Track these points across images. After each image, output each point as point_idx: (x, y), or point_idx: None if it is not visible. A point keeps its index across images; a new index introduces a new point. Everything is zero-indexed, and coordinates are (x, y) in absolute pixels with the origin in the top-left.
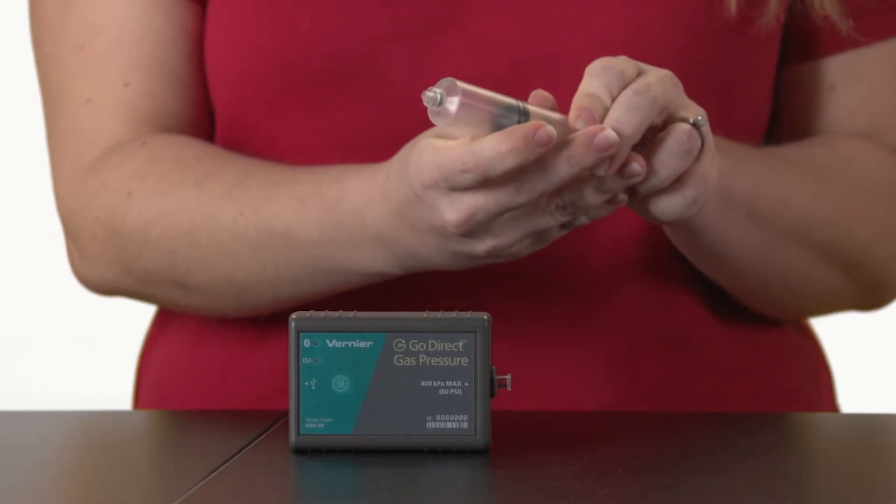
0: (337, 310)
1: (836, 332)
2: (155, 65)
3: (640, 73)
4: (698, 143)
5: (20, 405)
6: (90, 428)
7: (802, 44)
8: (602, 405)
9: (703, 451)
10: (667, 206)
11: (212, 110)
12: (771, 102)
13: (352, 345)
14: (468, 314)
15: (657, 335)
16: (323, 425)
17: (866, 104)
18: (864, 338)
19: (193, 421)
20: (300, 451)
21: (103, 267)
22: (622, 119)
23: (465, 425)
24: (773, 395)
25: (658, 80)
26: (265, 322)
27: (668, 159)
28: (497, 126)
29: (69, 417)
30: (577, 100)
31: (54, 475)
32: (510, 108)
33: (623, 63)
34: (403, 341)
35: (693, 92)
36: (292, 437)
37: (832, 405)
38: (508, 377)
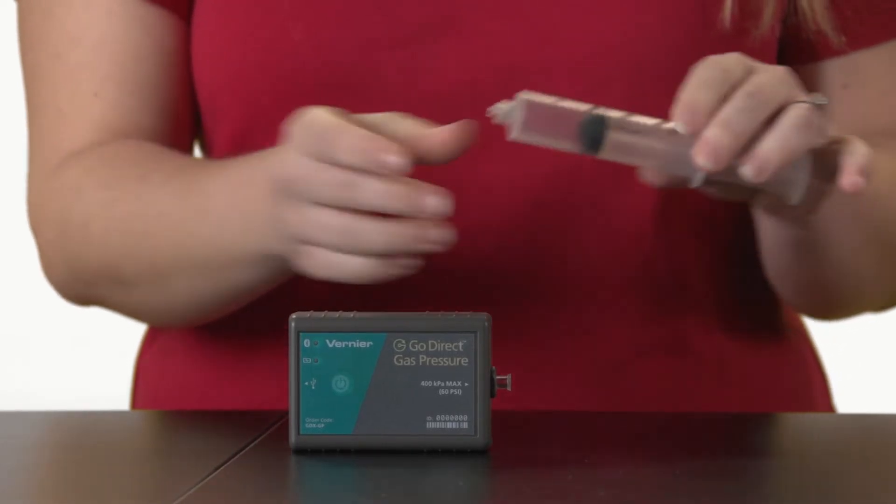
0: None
1: (833, 334)
2: (129, 78)
3: (751, 72)
4: (822, 120)
5: (20, 405)
6: (90, 428)
7: (807, 46)
8: (614, 405)
9: (704, 452)
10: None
11: (192, 125)
12: None
13: (352, 345)
14: (468, 314)
15: (656, 343)
16: (323, 425)
17: (883, 103)
18: (861, 339)
19: (193, 421)
20: (300, 452)
21: (58, 271)
22: (732, 120)
23: (465, 425)
24: (770, 402)
25: (771, 80)
26: (262, 326)
27: (797, 133)
28: (577, 134)
29: (69, 417)
30: (682, 98)
31: (54, 475)
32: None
33: (732, 61)
34: (403, 341)
35: None
36: (292, 438)
37: (827, 408)
38: (508, 377)
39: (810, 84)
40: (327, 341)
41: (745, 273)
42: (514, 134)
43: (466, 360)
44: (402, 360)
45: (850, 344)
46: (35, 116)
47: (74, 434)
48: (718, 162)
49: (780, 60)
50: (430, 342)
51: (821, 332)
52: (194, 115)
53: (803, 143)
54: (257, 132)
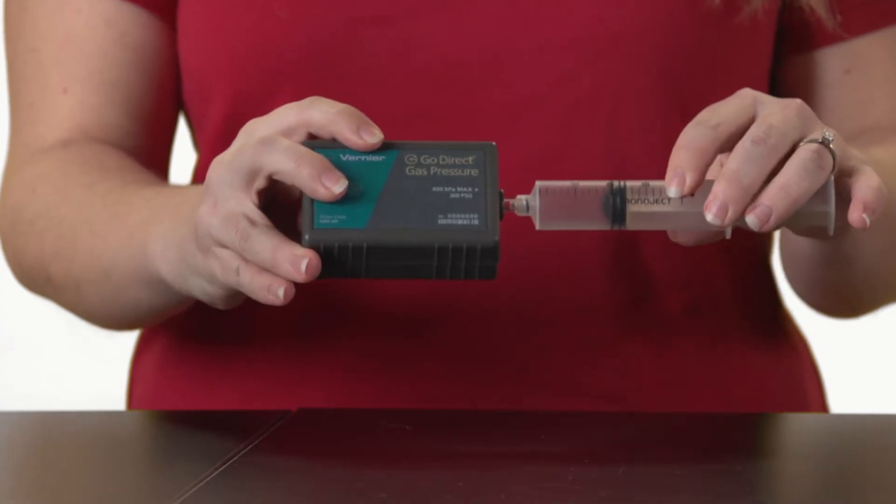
0: (348, 329)
1: (827, 334)
2: (94, 75)
3: (760, 111)
4: (829, 158)
5: (20, 405)
6: (90, 428)
7: (806, 33)
8: (598, 390)
9: (703, 452)
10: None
11: (169, 124)
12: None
13: (365, 159)
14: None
15: (647, 339)
16: (336, 221)
17: (884, 87)
18: (855, 339)
19: (193, 421)
20: (314, 247)
21: (9, 264)
22: (740, 172)
23: (476, 222)
24: (765, 400)
25: (781, 121)
26: (257, 321)
27: (801, 179)
28: (601, 210)
29: (68, 418)
30: (670, 162)
31: (54, 476)
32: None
33: (731, 110)
34: (415, 156)
35: (679, 75)
36: (306, 234)
37: (822, 408)
38: (516, 199)
39: (810, 73)
40: (341, 156)
41: (742, 271)
42: (539, 226)
43: (476, 171)
44: (413, 171)
45: (845, 344)
46: (12, 111)
47: (75, 434)
48: (728, 218)
49: (780, 50)
50: (441, 157)
51: (815, 332)
52: (173, 114)
53: (808, 189)
54: (246, 114)
